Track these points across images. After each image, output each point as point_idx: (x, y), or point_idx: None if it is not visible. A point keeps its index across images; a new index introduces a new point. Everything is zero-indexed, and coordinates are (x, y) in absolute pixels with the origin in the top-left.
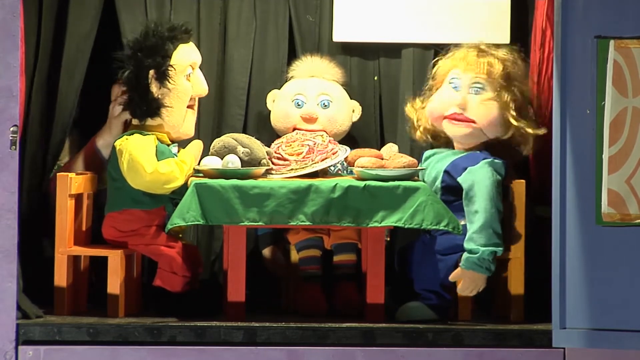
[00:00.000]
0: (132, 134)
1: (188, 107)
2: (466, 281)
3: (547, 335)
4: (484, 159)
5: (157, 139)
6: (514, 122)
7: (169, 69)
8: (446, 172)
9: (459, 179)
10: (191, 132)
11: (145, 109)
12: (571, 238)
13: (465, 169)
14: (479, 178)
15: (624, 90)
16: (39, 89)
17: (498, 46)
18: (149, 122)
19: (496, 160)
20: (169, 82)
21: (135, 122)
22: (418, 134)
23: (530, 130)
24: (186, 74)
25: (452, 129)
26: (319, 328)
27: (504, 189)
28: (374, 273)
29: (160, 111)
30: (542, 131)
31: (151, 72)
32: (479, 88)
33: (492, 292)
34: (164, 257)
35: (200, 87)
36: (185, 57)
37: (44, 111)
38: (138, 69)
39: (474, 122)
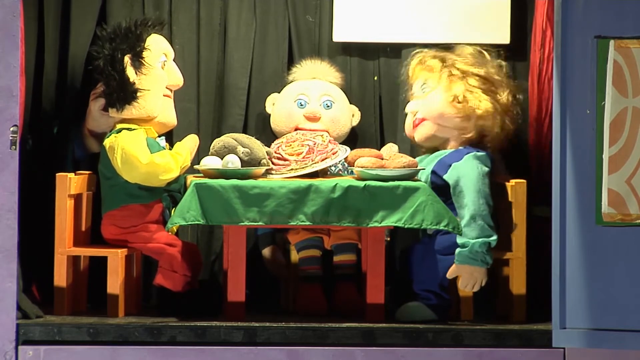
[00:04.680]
0: (120, 131)
1: (165, 96)
2: (464, 276)
3: (547, 335)
4: (467, 153)
5: (145, 131)
6: (454, 95)
7: (144, 51)
8: (433, 172)
9: (445, 176)
10: (173, 120)
11: (122, 94)
12: (571, 238)
13: (450, 165)
14: (464, 172)
15: (624, 90)
16: (47, 89)
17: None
18: (128, 111)
19: (480, 153)
20: (145, 65)
21: (113, 112)
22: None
23: (480, 95)
24: (160, 61)
25: (416, 136)
26: (319, 328)
27: (500, 188)
28: (374, 273)
29: (137, 96)
30: (501, 99)
31: (126, 57)
32: (425, 87)
33: (494, 292)
34: (165, 256)
35: (175, 77)
36: (159, 45)
37: (52, 110)
38: (113, 55)
39: (424, 119)
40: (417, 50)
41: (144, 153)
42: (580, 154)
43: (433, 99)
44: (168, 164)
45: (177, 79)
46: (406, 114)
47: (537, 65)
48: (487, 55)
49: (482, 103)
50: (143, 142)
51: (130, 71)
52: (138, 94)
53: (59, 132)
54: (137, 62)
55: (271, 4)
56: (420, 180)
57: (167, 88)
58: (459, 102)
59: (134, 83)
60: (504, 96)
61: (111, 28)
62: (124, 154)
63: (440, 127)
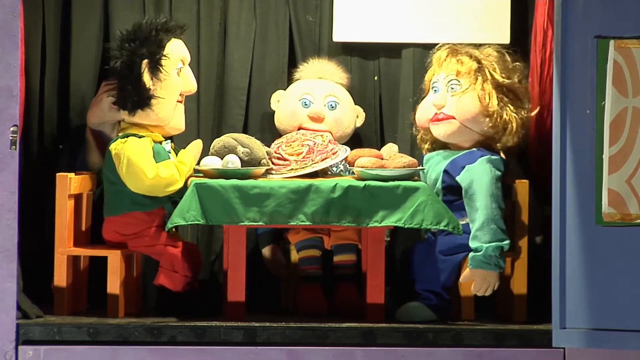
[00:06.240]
0: (127, 137)
1: (177, 102)
2: (477, 281)
3: (547, 335)
4: (482, 156)
5: (151, 139)
6: (491, 109)
7: (163, 58)
8: (445, 171)
9: (458, 178)
10: (182, 126)
11: (136, 99)
12: (571, 238)
13: (464, 167)
14: (478, 175)
15: (624, 90)
16: (50, 91)
17: (476, 45)
18: (140, 115)
19: (494, 157)
20: (162, 73)
21: (124, 115)
22: (426, 147)
23: (511, 112)
24: (177, 67)
25: (436, 130)
26: (319, 328)
27: (506, 188)
28: (374, 273)
29: (151, 102)
30: (524, 113)
31: (144, 62)
32: (455, 84)
33: (495, 292)
34: (166, 256)
35: (189, 83)
36: (177, 51)
37: (56, 113)
38: (131, 58)
39: (453, 117)
40: (444, 43)
41: (150, 167)
42: (580, 154)
43: (467, 102)
44: (173, 176)
45: (190, 86)
46: (415, 101)
47: (537, 66)
48: (508, 58)
49: (513, 121)
50: (149, 154)
51: (146, 77)
52: (152, 100)
53: (63, 150)
54: (155, 69)
55: (271, 3)
56: (421, 180)
57: (179, 95)
58: (494, 116)
59: (150, 89)
60: (527, 107)
61: (132, 29)
62: (130, 164)
63: (466, 129)
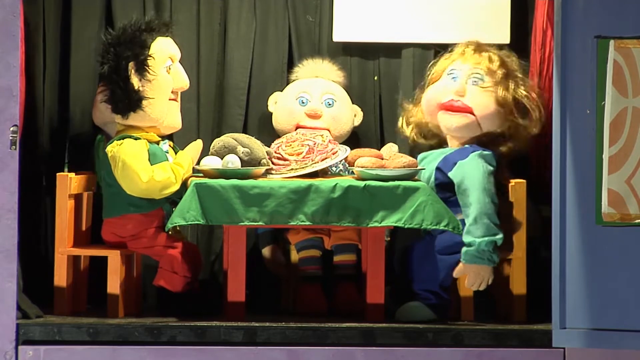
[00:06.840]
0: (123, 139)
1: (170, 100)
2: (471, 275)
3: (547, 335)
4: (473, 151)
5: (148, 141)
6: (511, 117)
7: (148, 59)
8: (438, 168)
9: (450, 174)
10: (178, 124)
11: (126, 102)
12: (571, 238)
13: (456, 163)
14: (469, 170)
15: (624, 90)
16: (49, 92)
17: (494, 46)
18: (133, 118)
19: (485, 152)
20: (149, 73)
21: (118, 119)
22: (409, 131)
23: (526, 126)
24: (166, 65)
25: (447, 120)
26: (319, 328)
27: (501, 187)
28: (374, 273)
29: (142, 104)
30: (536, 129)
31: (130, 64)
32: (478, 79)
33: (494, 292)
34: (165, 257)
35: (181, 80)
36: (164, 49)
37: (57, 115)
38: (117, 62)
39: (471, 111)
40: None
41: (145, 170)
42: (580, 154)
43: (489, 99)
44: (169, 179)
45: (182, 82)
46: (422, 87)
47: (537, 66)
48: (515, 60)
49: (528, 127)
50: (144, 156)
51: (134, 79)
52: (143, 102)
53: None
54: (142, 70)
55: (271, 3)
56: (420, 180)
57: (172, 92)
58: (510, 119)
59: (139, 91)
60: (536, 116)
61: (115, 32)
62: (125, 167)
63: (477, 126)
